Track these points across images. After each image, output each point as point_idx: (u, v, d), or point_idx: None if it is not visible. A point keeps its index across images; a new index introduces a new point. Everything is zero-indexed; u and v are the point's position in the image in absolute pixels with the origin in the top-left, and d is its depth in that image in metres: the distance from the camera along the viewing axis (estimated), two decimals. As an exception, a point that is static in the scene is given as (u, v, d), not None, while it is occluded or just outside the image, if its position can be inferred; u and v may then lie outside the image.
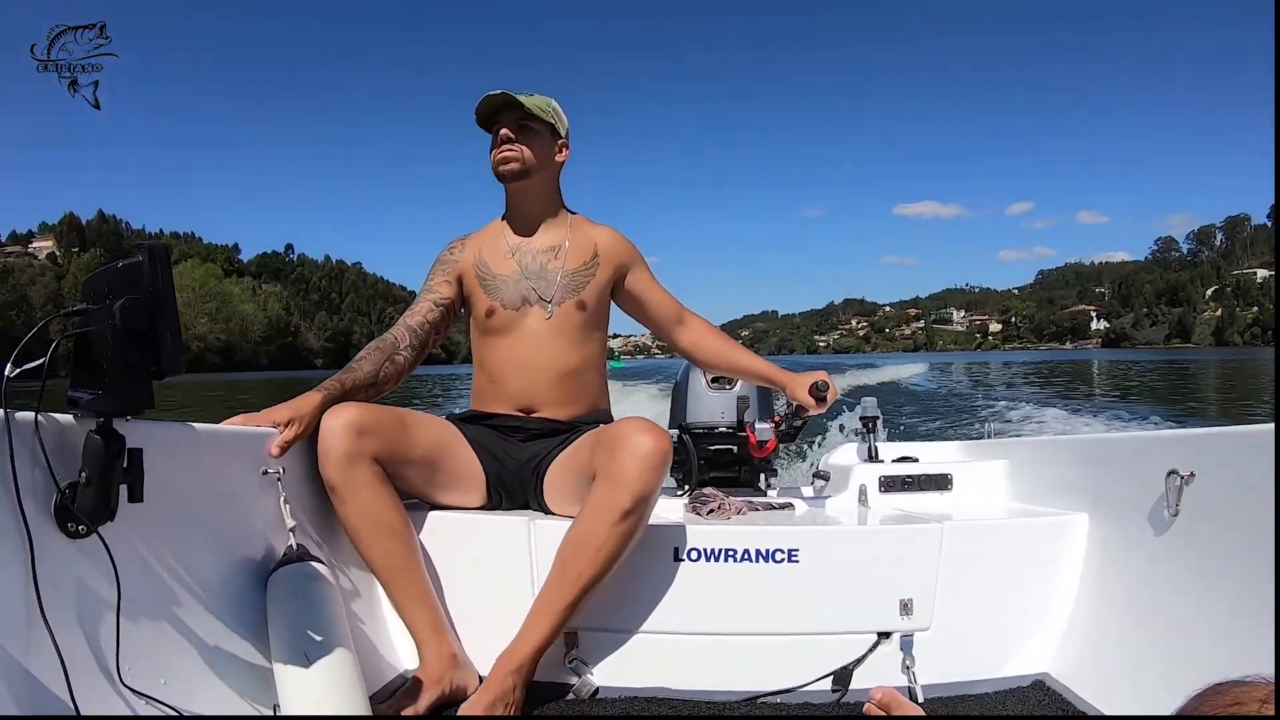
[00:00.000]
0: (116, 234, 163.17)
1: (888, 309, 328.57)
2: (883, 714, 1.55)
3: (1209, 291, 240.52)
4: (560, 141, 2.47)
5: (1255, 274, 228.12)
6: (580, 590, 1.98)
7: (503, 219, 2.52)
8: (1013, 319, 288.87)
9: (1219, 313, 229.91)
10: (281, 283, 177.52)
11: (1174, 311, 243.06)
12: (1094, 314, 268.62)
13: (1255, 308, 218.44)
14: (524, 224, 2.48)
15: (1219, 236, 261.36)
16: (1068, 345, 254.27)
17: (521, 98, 2.35)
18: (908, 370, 40.09)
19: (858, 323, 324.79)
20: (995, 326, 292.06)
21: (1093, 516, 2.23)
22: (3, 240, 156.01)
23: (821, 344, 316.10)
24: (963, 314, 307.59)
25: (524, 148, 2.36)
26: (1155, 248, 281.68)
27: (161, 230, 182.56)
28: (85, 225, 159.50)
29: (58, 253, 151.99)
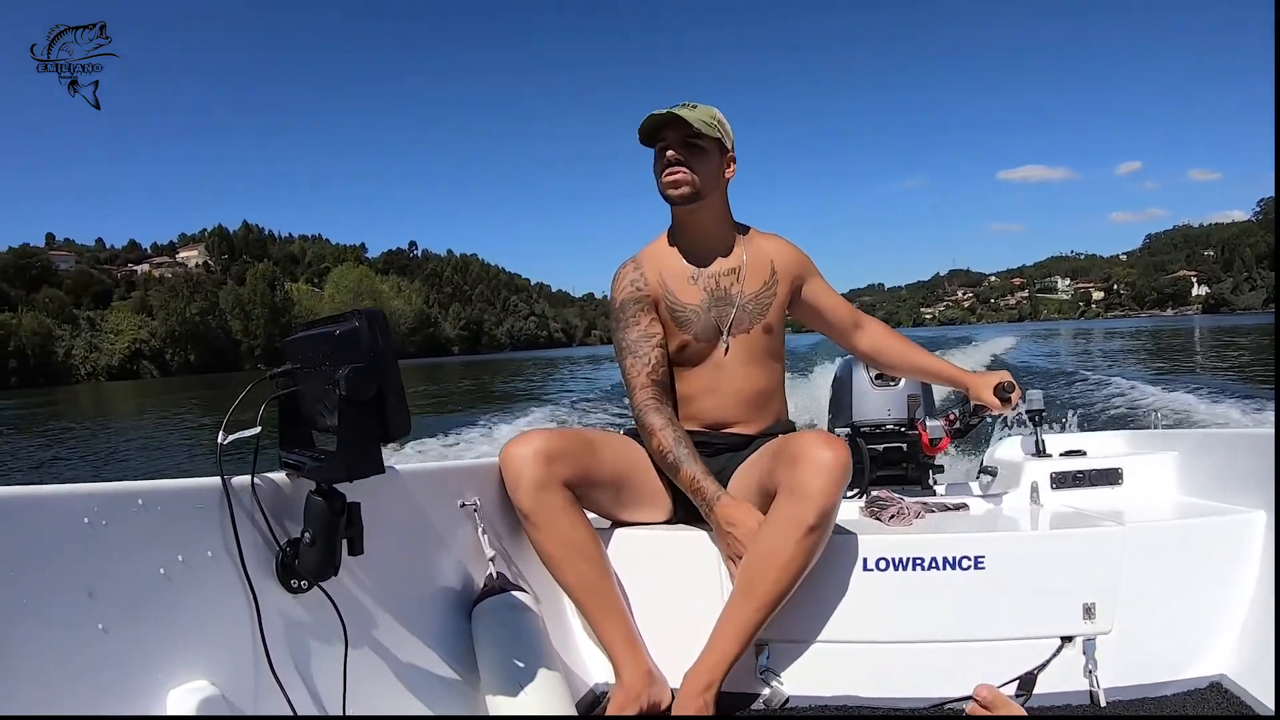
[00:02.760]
0: (260, 242, 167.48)
1: (993, 279, 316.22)
2: (986, 712, 1.57)
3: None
4: (729, 155, 2.27)
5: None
6: (766, 608, 1.91)
7: (671, 240, 2.34)
8: (1115, 286, 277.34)
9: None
10: (408, 277, 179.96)
11: (1272, 275, 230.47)
12: (1195, 279, 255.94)
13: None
14: (700, 247, 2.30)
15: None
16: (1169, 311, 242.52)
17: (685, 113, 2.15)
18: (1002, 344, 34.98)
19: (963, 293, 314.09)
20: (1098, 295, 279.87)
21: (1270, 513, 2.09)
22: (147, 251, 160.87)
23: (928, 316, 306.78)
24: (1068, 282, 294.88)
25: (693, 170, 2.17)
26: (1259, 208, 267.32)
27: (292, 234, 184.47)
28: (233, 236, 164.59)
29: (210, 262, 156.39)
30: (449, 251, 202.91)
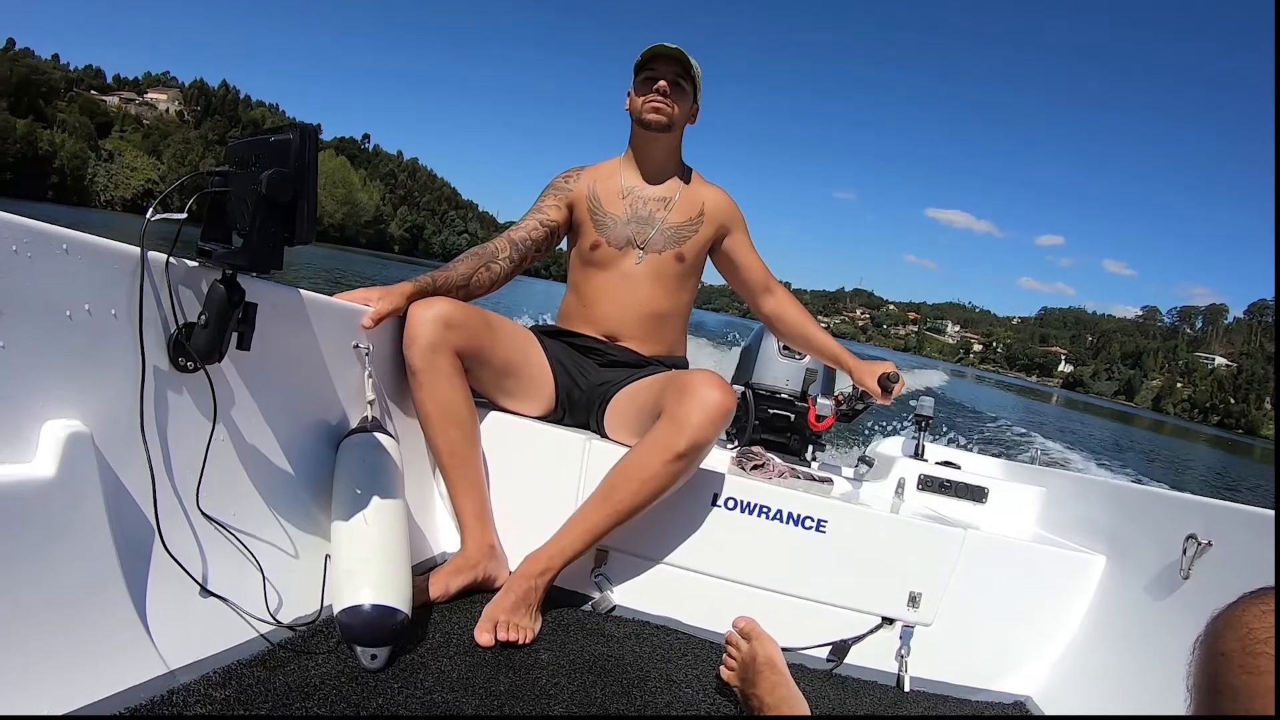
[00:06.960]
0: (234, 103, 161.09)
1: (892, 307, 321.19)
2: (744, 641, 1.62)
3: (1165, 365, 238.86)
4: (696, 106, 2.40)
5: (1212, 360, 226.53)
6: (618, 515, 1.93)
7: (622, 159, 2.44)
8: (994, 343, 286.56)
9: (1161, 384, 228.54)
10: (359, 168, 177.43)
11: (1127, 372, 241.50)
12: (1064, 357, 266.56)
13: (1193, 388, 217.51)
14: (644, 170, 2.40)
15: (1199, 320, 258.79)
16: (1032, 378, 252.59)
17: (686, 56, 2.29)
18: (936, 378, 34.14)
19: (860, 313, 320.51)
20: (977, 346, 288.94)
21: (1110, 560, 2.12)
22: (110, 83, 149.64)
23: (823, 324, 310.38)
24: (957, 329, 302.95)
25: (676, 103, 2.30)
26: (1141, 314, 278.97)
27: (249, 96, 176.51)
28: (212, 91, 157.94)
29: (185, 112, 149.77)
30: (399, 152, 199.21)
